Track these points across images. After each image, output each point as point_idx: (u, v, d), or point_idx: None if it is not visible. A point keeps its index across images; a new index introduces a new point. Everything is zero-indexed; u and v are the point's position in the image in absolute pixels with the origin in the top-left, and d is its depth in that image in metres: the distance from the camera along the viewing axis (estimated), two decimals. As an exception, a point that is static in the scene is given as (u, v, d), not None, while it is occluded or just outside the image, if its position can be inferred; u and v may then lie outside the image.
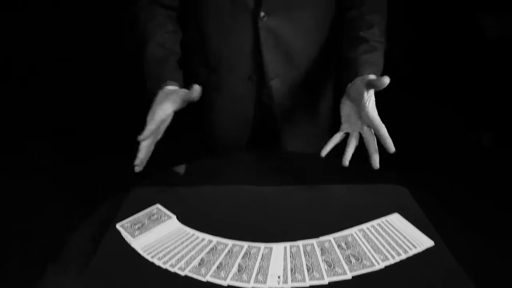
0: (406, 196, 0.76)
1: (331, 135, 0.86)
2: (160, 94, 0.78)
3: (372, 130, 0.71)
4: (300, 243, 0.64)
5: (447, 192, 1.76)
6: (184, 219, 0.70)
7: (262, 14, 0.83)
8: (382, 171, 0.74)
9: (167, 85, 0.80)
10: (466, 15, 2.63)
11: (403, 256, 0.61)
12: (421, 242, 0.63)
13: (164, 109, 0.76)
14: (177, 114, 0.80)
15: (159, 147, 0.81)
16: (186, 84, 0.82)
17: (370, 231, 0.66)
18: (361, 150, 0.75)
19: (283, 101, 0.96)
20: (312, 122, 1.04)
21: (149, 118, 0.75)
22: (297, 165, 0.89)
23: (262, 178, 0.83)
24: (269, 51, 0.88)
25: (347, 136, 0.78)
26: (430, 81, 3.12)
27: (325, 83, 1.03)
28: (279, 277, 0.57)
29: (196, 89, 0.75)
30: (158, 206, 0.74)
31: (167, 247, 0.64)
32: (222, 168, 0.89)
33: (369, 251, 0.62)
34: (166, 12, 0.90)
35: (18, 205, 2.11)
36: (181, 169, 0.88)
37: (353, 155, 0.75)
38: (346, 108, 0.78)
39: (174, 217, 0.70)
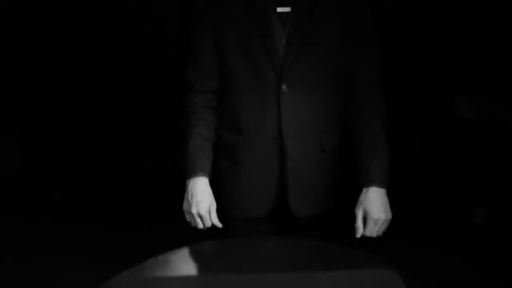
0: (397, 282, 0.74)
1: (337, 196, 1.14)
2: (201, 186, 1.04)
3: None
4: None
5: (439, 274, 1.72)
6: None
7: (283, 87, 0.98)
8: (373, 256, 0.74)
9: (198, 176, 1.03)
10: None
11: None
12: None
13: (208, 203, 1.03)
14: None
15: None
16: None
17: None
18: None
19: (296, 162, 1.04)
20: (320, 183, 1.10)
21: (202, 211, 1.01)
22: (290, 251, 0.88)
23: (254, 264, 0.82)
24: (288, 116, 1.01)
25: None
26: (418, 159, 3.19)
27: (335, 147, 1.10)
28: None
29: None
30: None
31: None
32: (215, 253, 0.87)
33: None
34: (207, 99, 1.07)
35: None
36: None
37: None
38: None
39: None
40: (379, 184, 1.05)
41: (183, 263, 0.85)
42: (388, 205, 1.03)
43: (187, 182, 1.04)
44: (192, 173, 1.04)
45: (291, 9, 0.97)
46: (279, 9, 0.97)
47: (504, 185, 2.55)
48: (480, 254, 2.14)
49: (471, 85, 2.66)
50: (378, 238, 0.97)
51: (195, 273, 0.80)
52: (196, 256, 0.86)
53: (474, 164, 2.66)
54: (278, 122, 1.01)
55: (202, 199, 1.01)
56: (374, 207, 1.01)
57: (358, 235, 0.99)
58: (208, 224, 1.02)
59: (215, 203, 1.04)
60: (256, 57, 0.98)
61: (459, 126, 2.64)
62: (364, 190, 1.04)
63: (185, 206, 1.04)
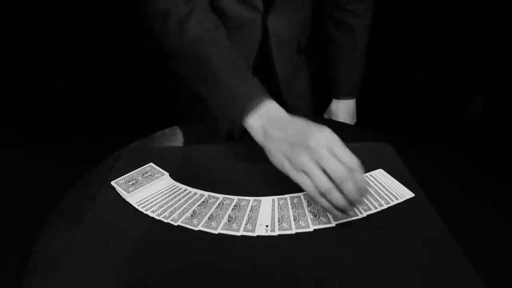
0: (391, 153, 0.78)
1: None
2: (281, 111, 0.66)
3: None
4: (288, 196, 0.67)
5: (433, 151, 1.83)
6: (176, 176, 0.73)
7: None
8: (369, 132, 0.77)
9: (266, 99, 0.65)
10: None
11: (385, 206, 0.64)
12: (403, 194, 0.67)
13: None
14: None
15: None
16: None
17: (355, 185, 0.69)
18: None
19: (278, 34, 0.97)
20: (299, 83, 1.10)
21: None
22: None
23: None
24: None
25: None
26: (419, 50, 3.13)
27: (310, 44, 1.09)
28: (267, 226, 0.61)
29: None
30: (151, 164, 0.76)
31: (160, 201, 0.67)
32: (212, 130, 0.90)
33: (353, 202, 0.65)
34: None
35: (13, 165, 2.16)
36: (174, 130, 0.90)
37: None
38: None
39: (167, 174, 0.73)
40: (348, 97, 1.11)
41: (190, 135, 0.89)
42: (354, 112, 1.13)
43: (244, 121, 0.66)
44: (254, 101, 0.66)
45: None
46: None
47: (503, 79, 2.56)
48: (473, 146, 2.26)
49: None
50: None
51: (203, 142, 0.84)
52: (202, 128, 0.90)
53: (479, 55, 2.62)
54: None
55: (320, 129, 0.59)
56: (341, 118, 1.11)
57: None
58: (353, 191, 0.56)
59: None
60: None
61: (474, 17, 2.55)
62: (334, 100, 1.12)
63: (279, 162, 0.61)
